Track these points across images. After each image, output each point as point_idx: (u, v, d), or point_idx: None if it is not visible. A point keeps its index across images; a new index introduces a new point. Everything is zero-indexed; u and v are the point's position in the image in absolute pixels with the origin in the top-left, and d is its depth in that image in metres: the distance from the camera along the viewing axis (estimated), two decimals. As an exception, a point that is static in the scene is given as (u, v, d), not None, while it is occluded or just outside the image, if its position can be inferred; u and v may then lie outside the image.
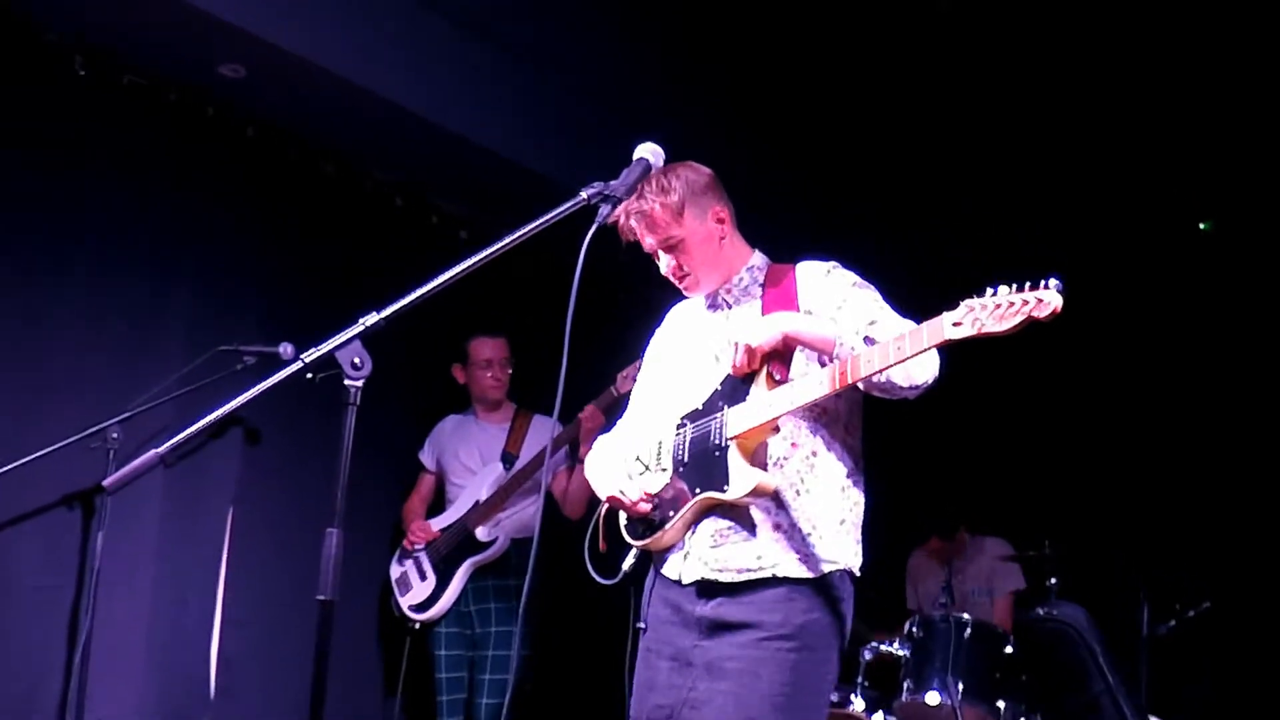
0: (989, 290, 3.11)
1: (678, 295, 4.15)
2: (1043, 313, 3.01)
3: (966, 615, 6.67)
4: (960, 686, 6.39)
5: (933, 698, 6.46)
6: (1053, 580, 7.10)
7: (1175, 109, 7.94)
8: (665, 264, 3.97)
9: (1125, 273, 9.01)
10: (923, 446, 8.97)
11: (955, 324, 3.15)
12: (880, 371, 3.39)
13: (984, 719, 6.50)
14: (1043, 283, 3.03)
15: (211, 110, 6.61)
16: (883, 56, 7.95)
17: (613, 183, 3.36)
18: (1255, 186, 8.53)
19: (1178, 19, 7.22)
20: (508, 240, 3.22)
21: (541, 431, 6.56)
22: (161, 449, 3.34)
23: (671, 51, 7.67)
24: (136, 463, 3.34)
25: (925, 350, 3.28)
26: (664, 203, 3.81)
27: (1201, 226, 9.36)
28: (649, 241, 3.90)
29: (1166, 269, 9.05)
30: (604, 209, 3.33)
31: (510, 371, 6.74)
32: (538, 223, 3.24)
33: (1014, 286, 3.07)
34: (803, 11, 7.46)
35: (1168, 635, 7.78)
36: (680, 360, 4.08)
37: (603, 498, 4.00)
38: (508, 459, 6.60)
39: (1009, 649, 6.70)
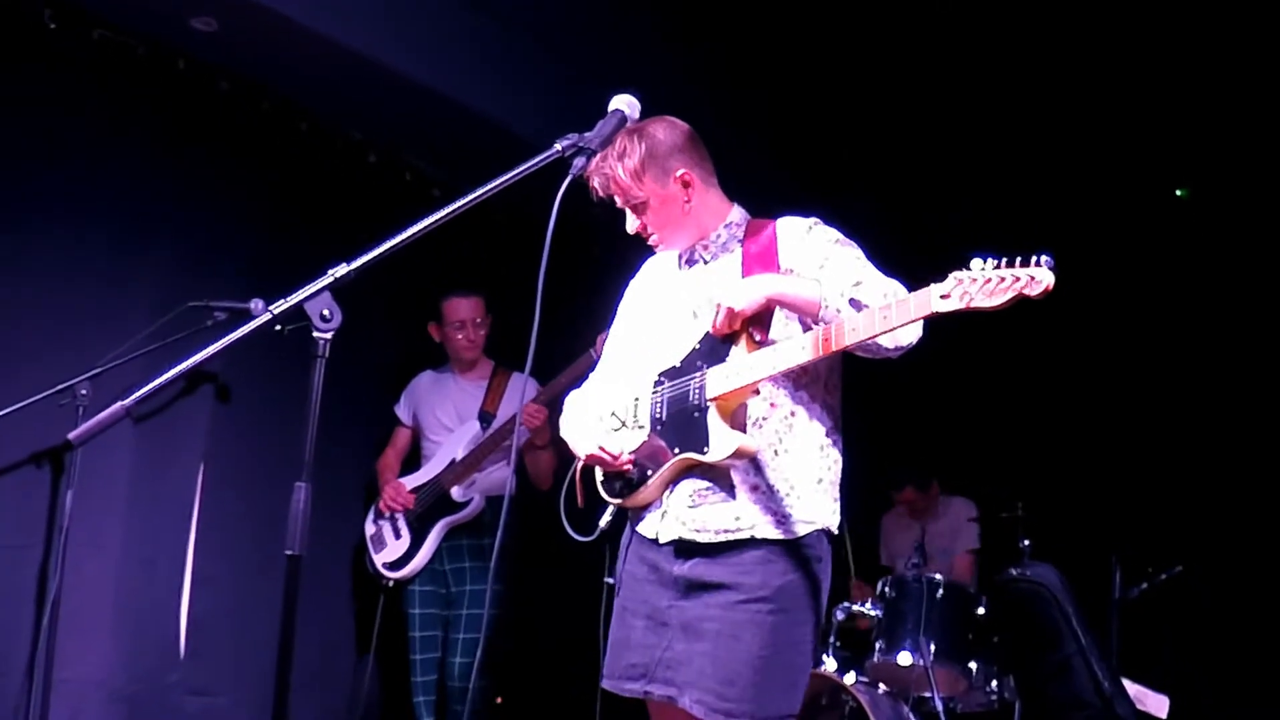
0: (978, 263, 3.07)
1: (653, 250, 4.11)
2: (1034, 291, 2.99)
3: (939, 575, 6.66)
4: (932, 647, 6.38)
5: (905, 658, 6.47)
6: (1025, 542, 7.10)
7: (1151, 78, 7.95)
8: (631, 223, 3.97)
9: (1102, 240, 9.03)
10: (899, 407, 8.97)
11: (943, 296, 3.13)
12: (871, 339, 3.37)
13: (956, 680, 6.51)
14: (1034, 259, 3.00)
15: (183, 64, 6.55)
16: (871, 17, 7.93)
17: (587, 134, 3.34)
18: (1231, 153, 8.53)
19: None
20: (481, 191, 3.20)
21: (519, 390, 6.44)
22: (127, 401, 3.31)
23: (649, 5, 7.62)
24: (102, 415, 3.30)
25: (914, 320, 3.28)
26: (624, 166, 3.80)
27: (1178, 193, 9.37)
28: (619, 198, 3.89)
29: (1143, 236, 9.07)
30: (578, 161, 3.31)
31: (485, 331, 6.72)
32: (511, 174, 3.22)
33: (1004, 261, 3.03)
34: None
35: (1138, 598, 7.81)
36: (655, 315, 4.06)
37: (580, 454, 3.98)
38: (485, 418, 6.58)
39: (981, 610, 6.69)
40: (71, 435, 3.41)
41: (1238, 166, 8.61)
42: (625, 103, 3.51)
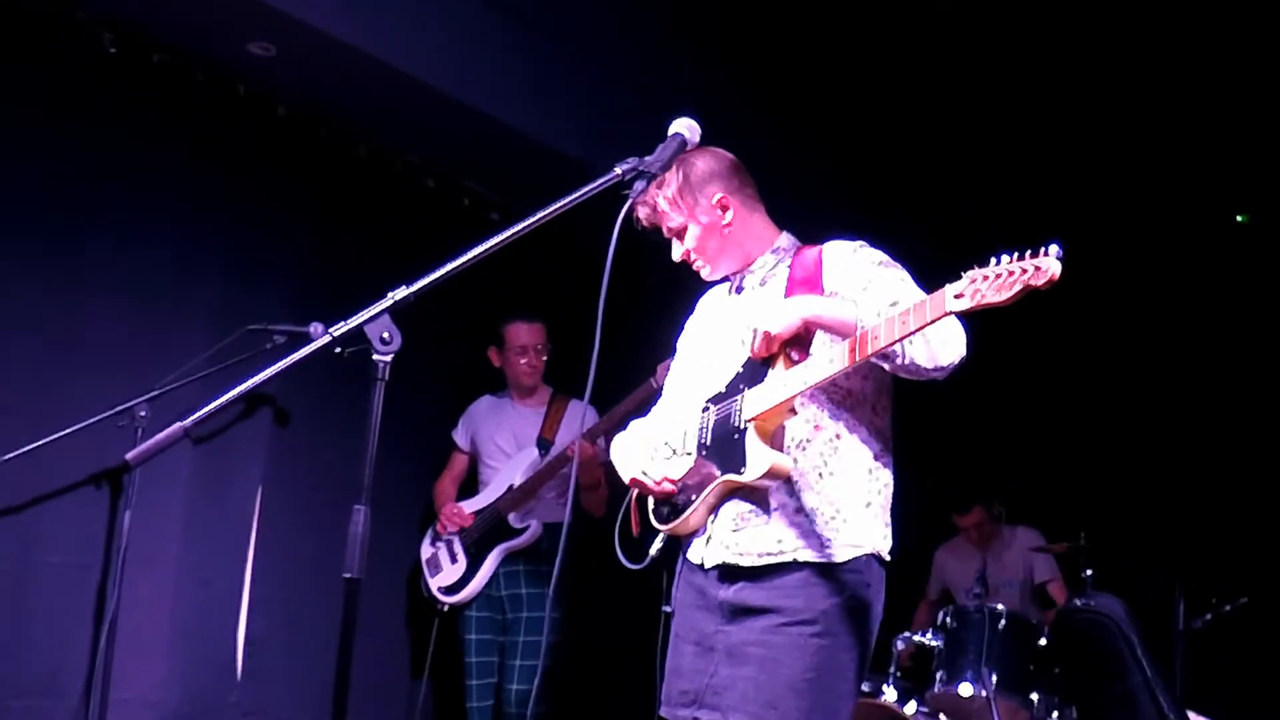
0: (992, 260, 3.04)
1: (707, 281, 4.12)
2: (1039, 281, 2.93)
3: (1001, 606, 6.60)
4: (994, 678, 6.33)
5: (965, 689, 6.42)
6: (1088, 572, 7.03)
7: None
8: (676, 251, 3.99)
9: (1168, 268, 8.93)
10: (958, 437, 8.90)
11: (957, 295, 3.08)
12: (891, 347, 3.31)
13: (1017, 712, 6.45)
14: (1042, 250, 2.95)
15: (242, 89, 6.59)
16: (905, 42, 7.95)
17: (647, 159, 3.33)
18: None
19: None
20: (541, 215, 3.20)
21: (577, 417, 6.55)
22: (186, 423, 3.33)
23: (701, 35, 7.68)
24: (160, 436, 3.31)
25: (930, 323, 3.18)
26: (663, 194, 3.84)
27: (1239, 219, 9.30)
28: (665, 227, 3.93)
29: (1212, 265, 8.97)
30: (638, 185, 3.31)
31: (546, 358, 6.74)
32: (572, 197, 3.22)
33: (1014, 255, 2.99)
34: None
35: (1203, 629, 7.75)
36: (707, 345, 4.05)
37: (626, 480, 3.99)
38: (543, 444, 6.60)
39: (1043, 640, 6.64)
40: (129, 456, 3.42)
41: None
42: (685, 126, 3.50)
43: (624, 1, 7.31)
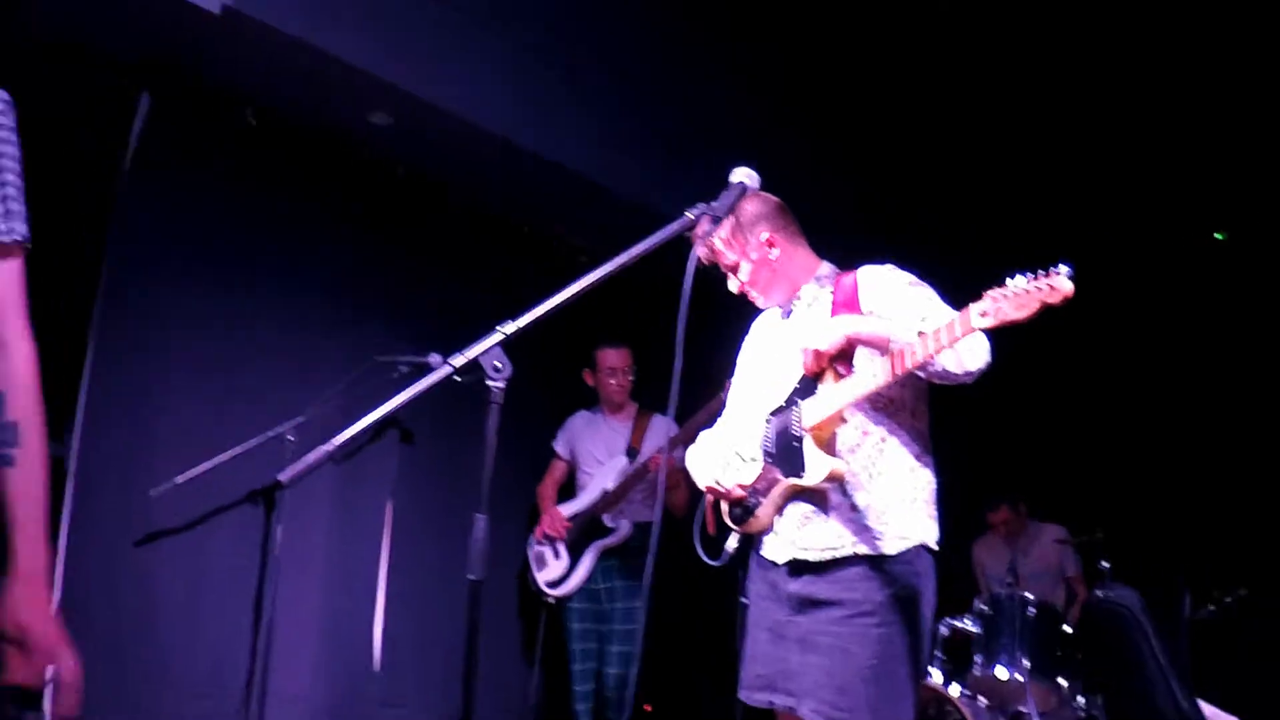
0: (1008, 279, 3.09)
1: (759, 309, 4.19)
2: (1054, 299, 3.00)
3: (1030, 594, 6.52)
4: (1026, 663, 6.25)
5: (1002, 672, 6.36)
6: (1105, 564, 6.94)
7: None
8: (732, 284, 4.03)
9: (1186, 280, 8.86)
10: (990, 441, 8.81)
11: (982, 314, 3.14)
12: (927, 360, 3.35)
13: (1048, 695, 6.36)
14: (1053, 269, 3.02)
15: (365, 153, 6.69)
16: (940, 99, 7.95)
17: (714, 203, 3.35)
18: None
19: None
20: (627, 255, 3.22)
21: (660, 429, 6.58)
22: (329, 446, 3.36)
23: (759, 101, 7.69)
24: (309, 458, 3.34)
25: (959, 339, 3.24)
26: (719, 236, 3.86)
27: (1216, 236, 9.24)
28: (724, 262, 3.99)
29: (1207, 269, 8.91)
30: (707, 226, 3.34)
31: (632, 378, 6.77)
32: (652, 240, 3.25)
33: (1030, 275, 3.05)
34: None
35: (1208, 620, 7.66)
36: (765, 364, 4.07)
37: (701, 487, 4.02)
38: (631, 453, 6.63)
39: (1066, 628, 6.55)
40: (282, 476, 3.45)
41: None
42: (745, 174, 3.50)
43: (680, 76, 7.34)
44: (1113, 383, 9.12)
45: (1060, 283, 2.98)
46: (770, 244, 3.92)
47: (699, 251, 3.65)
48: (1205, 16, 7.03)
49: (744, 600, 3.94)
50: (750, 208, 3.91)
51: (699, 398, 5.86)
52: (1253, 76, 7.43)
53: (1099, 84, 7.88)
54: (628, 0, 6.99)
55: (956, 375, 3.47)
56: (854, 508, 3.66)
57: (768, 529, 3.82)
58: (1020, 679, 6.19)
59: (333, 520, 6.46)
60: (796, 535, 3.72)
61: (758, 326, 4.20)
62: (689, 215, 3.30)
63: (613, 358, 6.71)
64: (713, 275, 3.61)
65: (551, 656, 6.81)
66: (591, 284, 3.18)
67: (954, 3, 7.43)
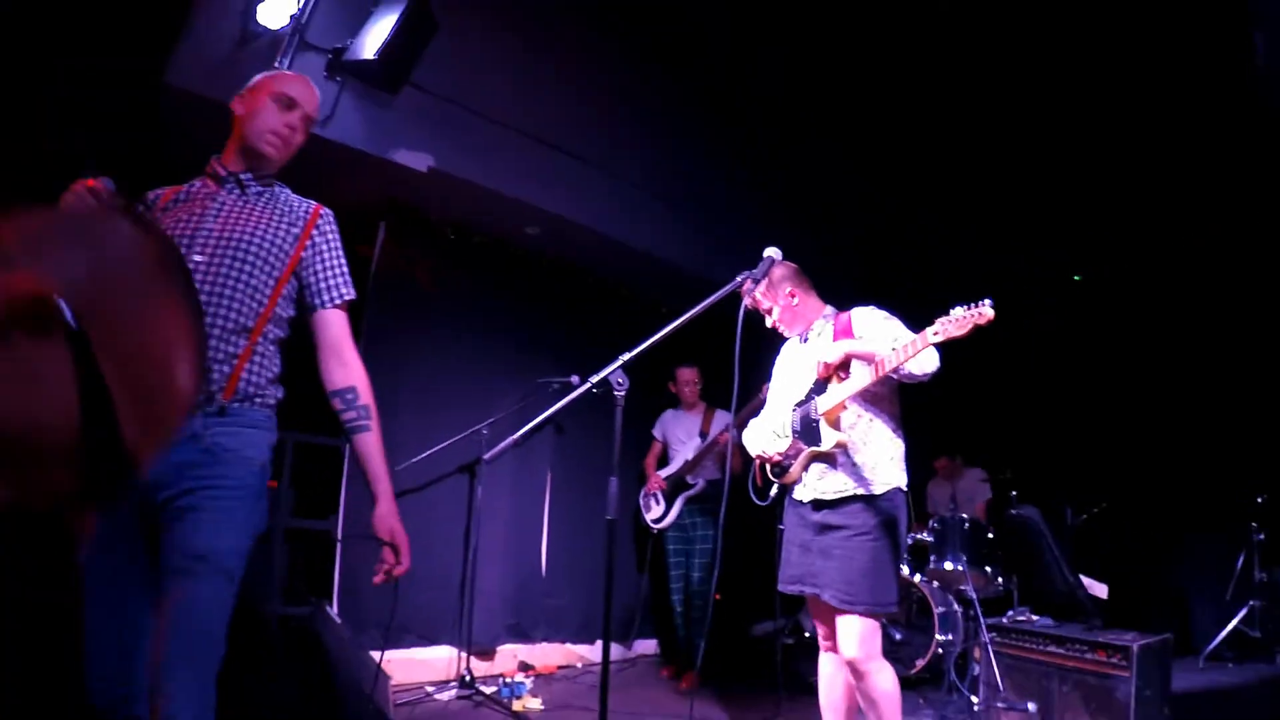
0: (952, 310, 3.24)
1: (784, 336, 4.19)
2: (983, 321, 3.17)
3: (964, 515, 6.39)
4: (964, 558, 6.13)
5: (949, 565, 6.21)
6: (1014, 493, 6.89)
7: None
8: (768, 321, 4.06)
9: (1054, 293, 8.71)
10: (934, 416, 8.68)
11: (935, 333, 3.28)
12: (898, 366, 3.44)
13: (979, 577, 6.20)
14: (982, 302, 3.17)
15: (524, 252, 6.72)
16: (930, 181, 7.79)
17: (754, 271, 3.40)
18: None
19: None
20: (699, 307, 3.24)
21: (722, 419, 6.52)
22: (515, 436, 3.34)
23: (777, 205, 7.63)
24: (503, 445, 3.31)
25: (920, 351, 3.36)
26: (757, 291, 3.95)
27: (1075, 278, 9.03)
28: (763, 309, 4.03)
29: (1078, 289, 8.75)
30: (750, 287, 3.40)
31: (701, 386, 6.69)
32: (714, 296, 3.26)
33: (966, 306, 3.20)
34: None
35: (1081, 525, 7.57)
36: (791, 372, 4.04)
37: (754, 455, 4.05)
38: (702, 435, 6.52)
39: (990, 535, 6.40)
40: (485, 456, 3.46)
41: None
42: (773, 251, 3.50)
43: (725, 192, 7.30)
44: (1009, 377, 8.99)
45: (986, 311, 3.15)
46: (792, 295, 3.96)
47: (746, 301, 3.74)
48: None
49: (780, 527, 3.97)
50: (779, 272, 3.95)
51: (746, 396, 5.80)
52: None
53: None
54: (689, 150, 6.96)
55: (917, 376, 3.50)
56: (853, 464, 3.68)
57: (798, 480, 3.82)
58: (961, 569, 6.09)
59: (513, 483, 6.44)
60: (817, 484, 3.73)
61: (785, 350, 4.17)
62: (738, 279, 3.33)
63: (686, 374, 6.64)
64: (754, 316, 3.58)
65: (654, 568, 6.74)
66: (678, 326, 3.20)
67: (939, 117, 7.28)
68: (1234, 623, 7.14)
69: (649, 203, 6.67)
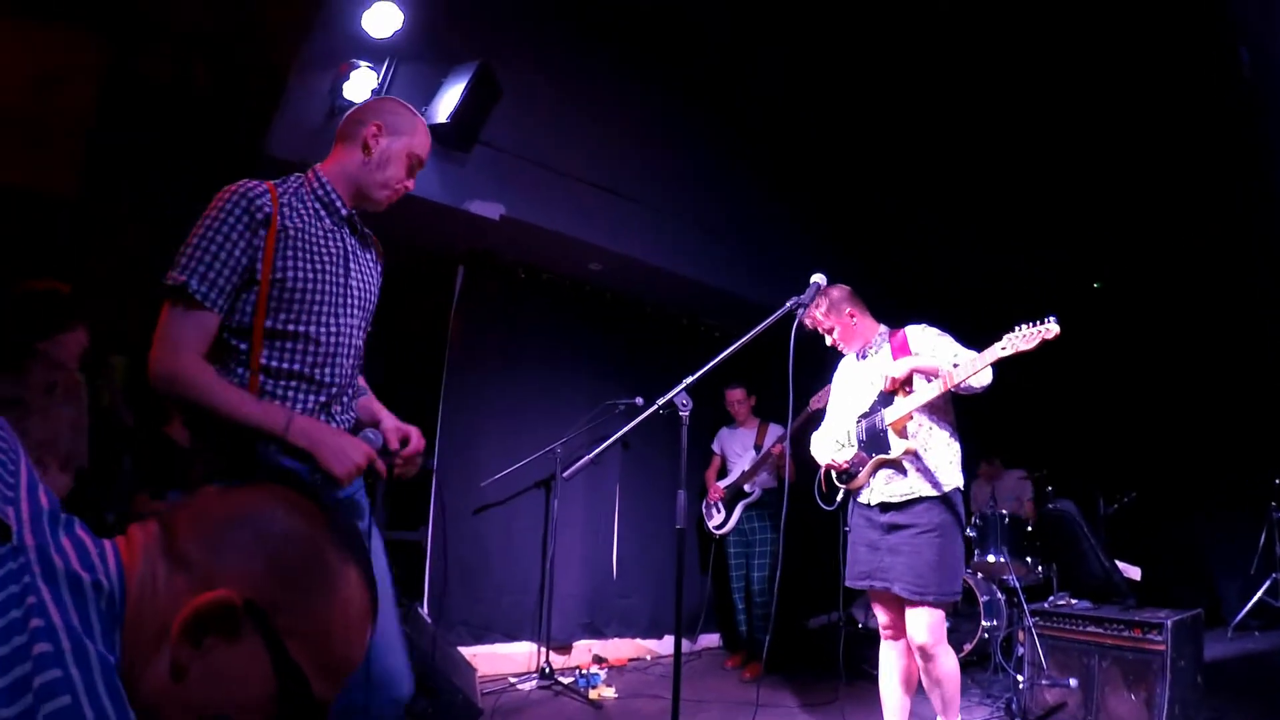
0: (1017, 326, 3.27)
1: (839, 354, 4.16)
2: (1050, 336, 3.20)
3: (1004, 511, 6.36)
4: (1005, 550, 6.11)
5: (992, 557, 6.18)
6: (1050, 488, 6.83)
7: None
8: (828, 340, 4.04)
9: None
10: (977, 422, 8.67)
11: (1002, 348, 3.29)
12: (963, 381, 3.46)
13: (1020, 567, 6.17)
14: (1048, 319, 3.22)
15: (588, 287, 6.74)
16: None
17: (801, 297, 3.34)
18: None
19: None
20: (753, 333, 3.22)
21: (775, 433, 6.50)
22: (591, 455, 3.40)
23: (814, 237, 7.64)
24: (579, 464, 3.38)
25: (988, 364, 3.38)
26: (820, 312, 3.94)
27: (1095, 285, 8.93)
28: (821, 329, 4.00)
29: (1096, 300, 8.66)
30: (800, 311, 3.32)
31: (753, 402, 6.66)
32: (767, 321, 3.25)
33: (1032, 323, 3.24)
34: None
35: (1113, 514, 7.49)
36: (852, 386, 4.03)
37: (821, 464, 4.03)
38: (757, 448, 6.50)
39: (1029, 528, 6.38)
40: (565, 474, 3.53)
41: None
42: (818, 277, 3.46)
43: (771, 224, 7.33)
44: (1039, 380, 8.92)
45: (1052, 327, 3.21)
46: (851, 315, 3.96)
47: (807, 322, 3.81)
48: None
49: (846, 529, 3.97)
50: (837, 294, 3.95)
51: (797, 411, 5.86)
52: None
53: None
54: (731, 184, 7.01)
55: (975, 389, 3.53)
56: (917, 469, 3.69)
57: (864, 486, 3.84)
58: (1004, 560, 6.05)
59: (585, 496, 6.45)
60: (883, 488, 3.75)
61: (843, 366, 4.16)
62: (788, 305, 3.31)
63: (733, 394, 6.60)
64: (802, 337, 3.62)
65: (717, 571, 6.75)
66: (737, 349, 3.19)
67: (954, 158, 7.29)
68: (1259, 595, 7.12)
69: (698, 235, 6.68)
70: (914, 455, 3.68)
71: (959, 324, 4.05)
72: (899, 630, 3.77)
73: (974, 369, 3.41)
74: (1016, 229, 7.96)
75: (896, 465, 3.72)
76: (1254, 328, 8.13)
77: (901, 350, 3.82)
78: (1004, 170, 7.25)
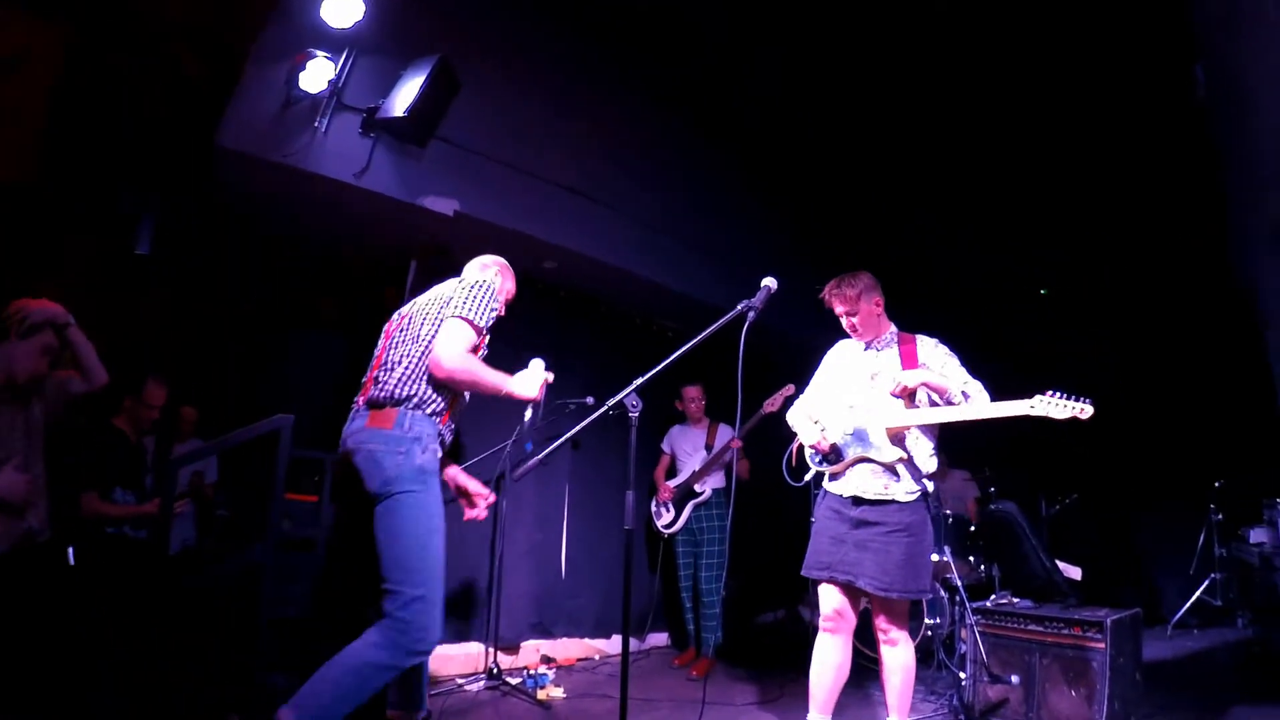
0: (1050, 393, 3.41)
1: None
2: (1083, 416, 3.36)
3: (949, 511, 6.49)
4: (949, 549, 6.24)
5: (935, 556, 6.30)
6: (993, 489, 6.98)
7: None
8: (844, 321, 4.06)
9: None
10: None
11: (1031, 407, 3.44)
12: (980, 417, 3.62)
13: (963, 567, 6.30)
14: (1084, 399, 3.36)
15: (541, 285, 6.72)
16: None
17: (753, 300, 3.37)
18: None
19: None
20: (704, 334, 3.29)
21: (726, 433, 6.53)
22: (540, 456, 3.49)
23: (773, 239, 7.67)
24: (530, 463, 3.45)
25: (1007, 414, 3.53)
26: (855, 291, 3.98)
27: (1042, 291, 9.13)
28: (840, 309, 4.03)
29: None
30: (750, 314, 3.35)
31: (705, 402, 6.69)
32: (718, 323, 3.31)
33: (1071, 397, 3.38)
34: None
35: (1053, 515, 7.65)
36: (846, 371, 4.08)
37: (802, 439, 4.07)
38: (707, 448, 6.54)
39: (973, 528, 6.51)
40: (515, 474, 3.60)
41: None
42: (770, 280, 3.49)
43: (727, 226, 7.37)
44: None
45: (1087, 408, 3.34)
46: (877, 304, 4.02)
47: (835, 305, 3.96)
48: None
49: (813, 520, 4.03)
50: (870, 280, 4.02)
51: (749, 414, 5.91)
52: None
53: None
54: (687, 186, 7.05)
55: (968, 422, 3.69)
56: (897, 473, 3.81)
57: (840, 474, 3.92)
58: (947, 559, 6.17)
59: (535, 496, 6.45)
60: (859, 482, 3.85)
61: (843, 348, 4.19)
62: (739, 307, 3.34)
63: (691, 391, 6.64)
64: (751, 340, 3.62)
65: (665, 571, 6.79)
66: (686, 351, 3.25)
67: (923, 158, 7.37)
68: (1197, 594, 7.34)
69: (654, 235, 6.71)
70: (901, 461, 3.81)
71: (918, 325, 4.13)
72: (840, 625, 3.88)
73: (991, 414, 3.55)
74: (975, 231, 8.11)
75: (877, 463, 3.83)
76: (1196, 335, 8.36)
77: (910, 357, 3.92)
78: (962, 171, 7.39)
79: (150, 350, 5.85)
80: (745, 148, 7.35)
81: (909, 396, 3.79)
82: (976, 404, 3.61)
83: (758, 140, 7.30)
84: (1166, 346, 8.69)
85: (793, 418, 4.15)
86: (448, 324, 3.49)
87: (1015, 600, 4.78)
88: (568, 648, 6.48)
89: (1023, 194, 7.45)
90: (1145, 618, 4.57)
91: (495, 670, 5.49)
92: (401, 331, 3.60)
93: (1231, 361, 8.11)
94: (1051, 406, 3.35)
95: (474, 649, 5.81)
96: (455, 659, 5.72)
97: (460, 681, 5.43)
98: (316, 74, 4.66)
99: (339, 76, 4.79)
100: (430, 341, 3.47)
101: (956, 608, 5.83)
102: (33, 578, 3.47)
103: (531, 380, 3.56)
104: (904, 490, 3.78)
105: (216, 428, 6.13)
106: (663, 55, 6.35)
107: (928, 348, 3.93)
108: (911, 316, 4.34)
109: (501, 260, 4.13)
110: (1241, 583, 7.15)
